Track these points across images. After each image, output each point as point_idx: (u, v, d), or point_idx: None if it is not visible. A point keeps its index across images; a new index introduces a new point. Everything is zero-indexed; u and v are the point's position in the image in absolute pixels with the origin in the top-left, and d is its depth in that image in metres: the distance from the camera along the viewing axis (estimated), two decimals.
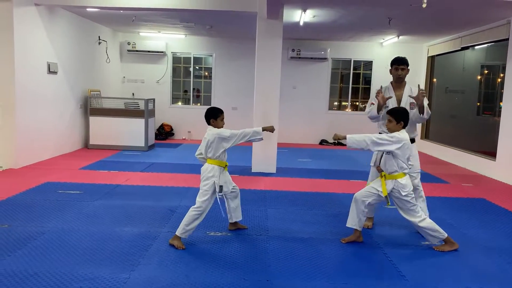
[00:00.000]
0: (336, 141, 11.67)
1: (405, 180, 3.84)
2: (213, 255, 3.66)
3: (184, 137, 11.80)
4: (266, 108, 7.25)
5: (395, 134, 3.79)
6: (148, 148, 9.36)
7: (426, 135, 11.24)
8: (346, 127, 11.67)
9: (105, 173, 6.87)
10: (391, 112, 3.88)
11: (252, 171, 7.40)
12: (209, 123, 3.96)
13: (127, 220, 4.50)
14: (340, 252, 3.84)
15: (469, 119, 9.98)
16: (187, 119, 11.76)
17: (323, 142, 11.72)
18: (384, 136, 3.80)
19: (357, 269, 3.47)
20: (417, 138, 11.52)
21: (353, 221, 4.00)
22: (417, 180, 4.27)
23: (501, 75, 9.42)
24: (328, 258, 3.68)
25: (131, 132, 9.27)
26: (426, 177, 7.25)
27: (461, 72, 10.45)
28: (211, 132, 3.90)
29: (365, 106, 11.93)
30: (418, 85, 4.28)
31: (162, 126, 11.56)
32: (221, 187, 3.89)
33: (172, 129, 11.75)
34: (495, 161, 7.77)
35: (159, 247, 3.77)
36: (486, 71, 9.86)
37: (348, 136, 3.82)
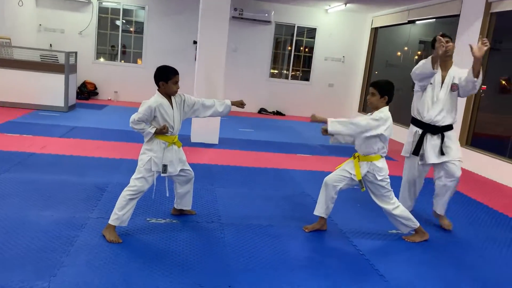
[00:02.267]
0: (275, 111, 11.19)
1: (381, 163, 3.39)
2: (158, 250, 2.97)
3: (109, 98, 10.62)
4: (210, 72, 6.47)
5: (379, 114, 3.28)
6: (68, 109, 8.18)
7: (363, 109, 11.12)
8: (287, 96, 11.26)
9: (16, 138, 5.75)
10: (375, 84, 3.35)
11: (192, 141, 6.65)
12: (158, 86, 3.18)
13: (45, 201, 3.62)
14: (306, 244, 3.33)
15: (405, 95, 10.01)
16: (114, 77, 10.57)
17: (262, 111, 11.16)
18: (368, 119, 3.27)
19: (330, 268, 2.98)
20: (354, 111, 11.47)
21: (321, 208, 3.51)
22: (459, 172, 3.79)
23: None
24: (295, 252, 3.16)
25: (48, 89, 8.01)
26: None
27: (402, 46, 10.38)
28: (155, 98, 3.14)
29: (307, 75, 11.50)
30: (482, 38, 3.41)
31: (84, 84, 10.27)
32: (164, 166, 3.18)
33: (96, 88, 10.50)
34: None
35: (87, 240, 3.00)
36: (421, 47, 9.88)
37: (330, 120, 3.24)
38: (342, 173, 3.47)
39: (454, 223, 4.04)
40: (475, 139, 6.96)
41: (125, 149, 5.73)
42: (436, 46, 3.44)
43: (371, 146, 3.32)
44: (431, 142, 3.78)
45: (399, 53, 10.67)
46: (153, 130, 3.10)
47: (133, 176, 3.12)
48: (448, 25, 7.80)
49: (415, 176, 3.96)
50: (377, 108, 3.33)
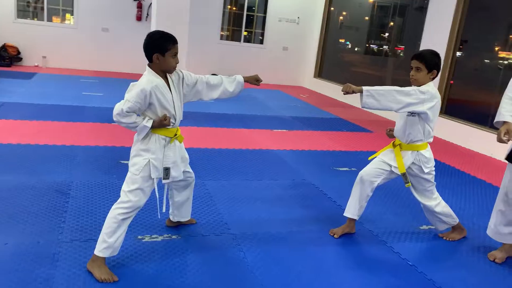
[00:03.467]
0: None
1: (429, 153, 2.82)
2: (170, 287, 2.19)
3: (37, 64, 9.12)
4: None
5: (427, 88, 2.67)
6: None
7: (319, 74, 10.60)
8: (240, 60, 10.39)
9: None
10: (420, 57, 2.71)
11: None
12: (150, 61, 2.29)
13: None
14: (343, 255, 2.72)
15: (357, 57, 9.85)
16: (41, 40, 9.06)
17: None
18: (413, 90, 2.64)
19: (385, 286, 2.40)
20: (310, 77, 10.92)
21: (354, 208, 2.89)
22: None
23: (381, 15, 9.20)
24: (336, 268, 2.53)
25: None
26: (342, 124, 6.53)
27: (357, 8, 10.02)
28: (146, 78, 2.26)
29: (260, 37, 10.62)
30: None
31: (4, 48, 8.66)
32: (166, 170, 2.34)
33: (19, 53, 8.92)
34: None
35: (68, 283, 2.13)
36: (376, 10, 9.64)
37: (366, 89, 2.56)
38: (380, 165, 2.85)
39: (470, 206, 3.63)
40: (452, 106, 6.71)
41: (75, 132, 4.70)
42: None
43: (417, 131, 2.72)
44: None
45: (354, 14, 10.24)
46: (150, 124, 2.24)
47: (125, 188, 2.25)
48: None
49: (511, 190, 2.66)
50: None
